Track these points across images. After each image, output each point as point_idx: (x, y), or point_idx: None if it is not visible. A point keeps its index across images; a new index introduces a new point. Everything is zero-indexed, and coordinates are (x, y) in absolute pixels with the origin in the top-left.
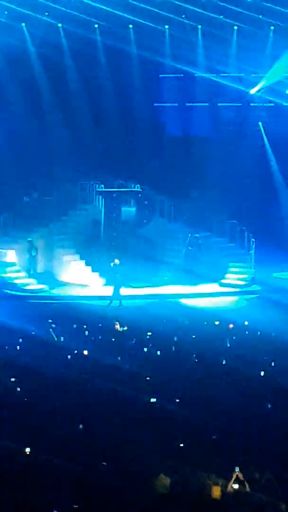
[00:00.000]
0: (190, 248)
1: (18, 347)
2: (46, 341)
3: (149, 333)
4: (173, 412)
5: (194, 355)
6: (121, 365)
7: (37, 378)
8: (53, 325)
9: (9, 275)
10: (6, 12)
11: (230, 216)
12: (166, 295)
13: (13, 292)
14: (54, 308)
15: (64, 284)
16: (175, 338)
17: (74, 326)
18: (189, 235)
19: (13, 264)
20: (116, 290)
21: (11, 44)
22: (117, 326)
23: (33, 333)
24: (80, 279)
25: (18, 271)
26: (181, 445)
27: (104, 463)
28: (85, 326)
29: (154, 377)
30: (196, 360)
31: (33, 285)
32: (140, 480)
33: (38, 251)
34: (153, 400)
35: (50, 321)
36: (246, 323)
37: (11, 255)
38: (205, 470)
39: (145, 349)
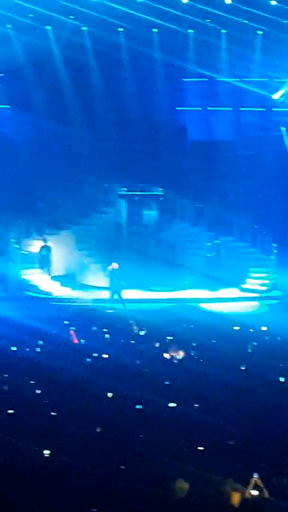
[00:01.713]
0: (209, 255)
1: (38, 349)
2: (66, 343)
3: (169, 337)
4: (192, 417)
5: (214, 360)
6: (140, 368)
7: (57, 380)
8: (73, 328)
9: (30, 277)
10: (31, 15)
11: (251, 221)
12: (186, 299)
13: (34, 294)
14: (74, 311)
15: (85, 286)
16: (194, 343)
17: (94, 328)
18: (208, 243)
19: (34, 266)
20: (112, 294)
21: (36, 46)
22: (134, 328)
23: (53, 335)
24: (101, 282)
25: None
26: (200, 448)
27: (122, 467)
28: (105, 330)
29: (173, 382)
30: (216, 365)
31: (55, 288)
32: (158, 484)
33: (50, 251)
34: (172, 405)
35: (66, 322)
36: (265, 328)
37: (32, 257)
38: (224, 475)
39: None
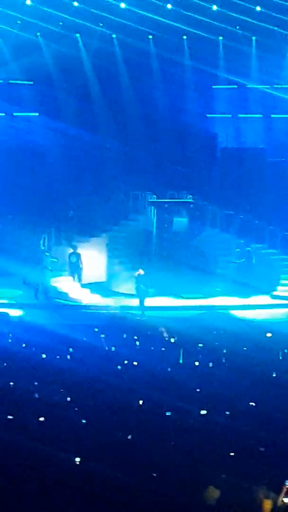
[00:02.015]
0: (238, 261)
1: (68, 357)
2: (96, 350)
3: (200, 344)
4: (223, 424)
5: (245, 368)
6: (171, 376)
7: (87, 388)
8: (103, 335)
9: (60, 284)
10: (61, 23)
11: (282, 227)
12: (217, 307)
13: (64, 302)
14: (105, 318)
15: (115, 293)
16: (224, 350)
17: (124, 336)
18: (237, 249)
19: (64, 274)
20: (141, 301)
21: (65, 54)
22: (165, 334)
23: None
24: (131, 289)
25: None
26: (232, 454)
27: (154, 474)
28: (135, 337)
29: (204, 389)
30: (247, 372)
31: (85, 295)
32: (189, 491)
33: (79, 258)
34: (203, 412)
35: (96, 330)
36: None
37: (62, 264)
38: (255, 482)
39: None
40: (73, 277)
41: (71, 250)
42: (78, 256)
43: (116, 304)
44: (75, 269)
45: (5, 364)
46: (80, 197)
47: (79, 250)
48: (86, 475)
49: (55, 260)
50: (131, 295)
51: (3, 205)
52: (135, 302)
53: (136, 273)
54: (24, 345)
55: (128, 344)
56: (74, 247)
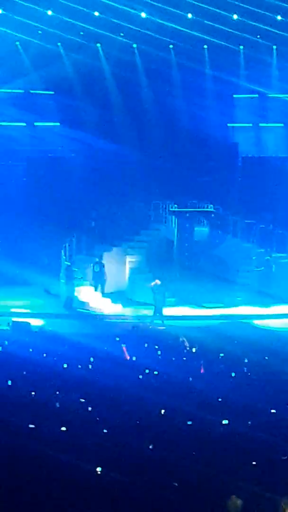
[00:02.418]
0: (258, 269)
1: (90, 366)
2: (117, 360)
3: (221, 354)
4: (245, 433)
5: (267, 377)
6: (192, 385)
7: (109, 397)
8: (124, 344)
9: (81, 294)
10: (82, 33)
11: None
12: (239, 316)
13: (86, 311)
14: (126, 327)
15: (137, 303)
16: (246, 360)
17: (145, 345)
18: (254, 257)
19: (85, 283)
20: (158, 310)
21: (86, 64)
22: (186, 344)
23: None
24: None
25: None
26: (253, 463)
27: (175, 484)
28: (156, 346)
29: (226, 399)
30: (268, 382)
31: (105, 305)
32: (211, 501)
33: (103, 267)
34: (225, 422)
35: (118, 339)
36: None
37: (84, 274)
38: (278, 492)
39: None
40: (96, 287)
41: (95, 260)
42: (101, 265)
43: (137, 314)
44: (98, 278)
45: (25, 373)
46: (101, 207)
47: (95, 260)
48: (107, 484)
49: (76, 269)
50: (152, 305)
51: (24, 215)
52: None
53: (153, 283)
54: (45, 354)
55: (149, 354)
56: (99, 257)
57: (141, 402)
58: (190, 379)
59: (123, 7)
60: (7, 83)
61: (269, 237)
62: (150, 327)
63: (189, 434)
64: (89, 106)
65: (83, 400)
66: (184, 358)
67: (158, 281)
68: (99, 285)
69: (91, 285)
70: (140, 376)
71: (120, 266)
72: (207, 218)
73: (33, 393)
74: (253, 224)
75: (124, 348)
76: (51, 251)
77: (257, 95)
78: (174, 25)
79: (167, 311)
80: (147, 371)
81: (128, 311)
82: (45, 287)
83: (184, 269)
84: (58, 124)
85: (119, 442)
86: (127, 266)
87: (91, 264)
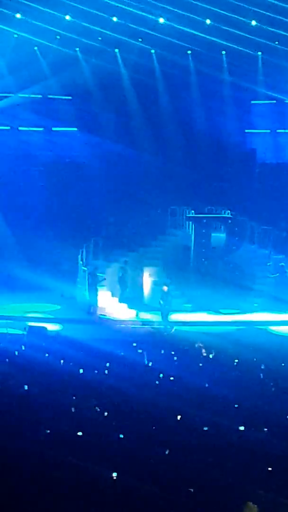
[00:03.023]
0: (273, 276)
1: (106, 371)
2: (134, 365)
3: (237, 360)
4: (261, 440)
5: (283, 383)
6: (209, 391)
7: (124, 403)
8: (140, 350)
9: (99, 299)
10: (100, 38)
11: None
12: (255, 322)
13: (104, 317)
14: (142, 333)
15: (153, 309)
16: (262, 366)
17: (162, 351)
18: (269, 263)
19: (102, 288)
20: (164, 317)
21: (104, 69)
22: (203, 350)
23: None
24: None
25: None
26: (269, 469)
27: (191, 490)
28: (172, 352)
29: (242, 405)
30: (285, 389)
31: (122, 310)
32: (227, 508)
33: (126, 273)
34: (241, 428)
35: (135, 344)
36: None
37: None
38: None
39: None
40: (118, 292)
41: (120, 265)
42: (125, 270)
43: (153, 319)
44: (122, 283)
45: (42, 378)
46: (118, 212)
47: (117, 265)
48: (122, 490)
49: (101, 275)
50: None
51: (41, 219)
52: (173, 317)
53: (166, 288)
54: (62, 361)
55: (166, 359)
56: (125, 262)
57: (157, 408)
58: (206, 384)
59: (141, 13)
60: (26, 88)
61: (286, 243)
62: (165, 333)
63: (205, 440)
64: (107, 112)
65: (97, 408)
66: (200, 364)
67: (165, 288)
68: (121, 290)
69: (109, 290)
70: (157, 382)
71: (136, 271)
72: (224, 224)
73: (48, 397)
74: (270, 230)
75: (142, 353)
76: (68, 256)
77: (275, 101)
78: (192, 31)
79: (183, 316)
80: (161, 375)
81: (145, 317)
82: (61, 292)
83: (200, 275)
84: (76, 129)
85: (134, 448)
86: (144, 272)
87: (114, 269)
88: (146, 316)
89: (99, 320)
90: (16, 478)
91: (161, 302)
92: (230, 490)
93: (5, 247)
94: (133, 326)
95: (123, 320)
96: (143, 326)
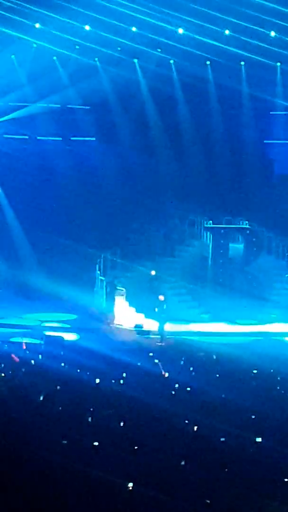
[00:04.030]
0: None
1: (122, 381)
2: (150, 375)
3: (254, 371)
4: (278, 451)
5: None
6: (225, 402)
7: (141, 413)
8: (157, 360)
9: (115, 308)
10: (119, 48)
11: None
12: (272, 333)
13: (120, 326)
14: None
15: (170, 319)
16: (279, 377)
17: (182, 362)
18: (286, 275)
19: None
20: (160, 327)
21: (123, 79)
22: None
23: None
24: (186, 315)
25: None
26: (286, 480)
27: (208, 501)
28: (182, 361)
29: (259, 416)
30: None
31: (139, 320)
32: None
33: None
34: (258, 439)
35: (151, 354)
36: None
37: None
38: None
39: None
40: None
41: (153, 272)
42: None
43: (170, 329)
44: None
45: (58, 387)
46: (136, 222)
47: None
48: (138, 500)
49: (120, 288)
50: (186, 321)
51: (60, 229)
52: (191, 327)
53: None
54: (78, 370)
55: (182, 369)
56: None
57: (174, 418)
58: (223, 395)
59: (160, 23)
60: (45, 97)
61: None
62: (159, 343)
63: (222, 451)
64: (125, 121)
65: (116, 414)
66: (217, 375)
67: (162, 297)
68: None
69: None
70: (173, 392)
71: (154, 281)
72: (242, 234)
73: (63, 407)
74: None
75: (157, 364)
76: (86, 266)
77: None
78: (211, 41)
79: (198, 327)
80: (177, 385)
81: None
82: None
83: (218, 286)
84: (94, 139)
85: (150, 458)
86: (161, 282)
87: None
88: (168, 327)
89: (116, 329)
90: (32, 487)
91: (156, 310)
92: (246, 502)
93: (23, 257)
94: (149, 336)
95: (140, 330)
96: (159, 336)
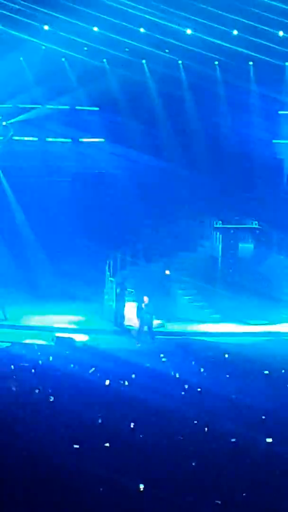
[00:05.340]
0: None
1: (126, 383)
2: (160, 376)
3: (265, 371)
4: None
5: None
6: (236, 403)
7: (151, 415)
8: (164, 358)
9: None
10: (127, 49)
11: None
12: (283, 333)
13: (130, 327)
14: (170, 344)
15: (180, 320)
16: None
17: (193, 362)
18: None
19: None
20: (148, 328)
21: (131, 80)
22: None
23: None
24: (195, 315)
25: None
26: None
27: (218, 502)
28: (193, 362)
29: (270, 416)
30: None
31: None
32: None
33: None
34: (268, 440)
35: (162, 355)
36: None
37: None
38: None
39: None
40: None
41: (168, 272)
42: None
43: (180, 330)
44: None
45: (70, 389)
46: (146, 222)
47: (144, 275)
48: (149, 501)
49: (131, 290)
50: (196, 321)
51: (69, 230)
52: (201, 327)
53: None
54: (92, 369)
55: (193, 371)
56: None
57: (184, 419)
58: (234, 396)
59: (168, 24)
60: (53, 99)
61: None
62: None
63: (233, 452)
64: (134, 122)
65: (126, 416)
66: (227, 376)
67: (146, 299)
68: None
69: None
70: (183, 393)
71: (164, 282)
72: (252, 234)
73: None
74: None
75: (168, 364)
76: (95, 267)
77: None
78: (219, 42)
79: (210, 327)
80: (186, 386)
81: (171, 328)
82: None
83: (228, 286)
84: (103, 140)
85: (162, 459)
86: (171, 282)
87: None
88: (173, 327)
89: (126, 330)
90: (43, 490)
91: (147, 314)
92: (259, 503)
93: (33, 258)
94: (160, 336)
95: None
96: (170, 337)
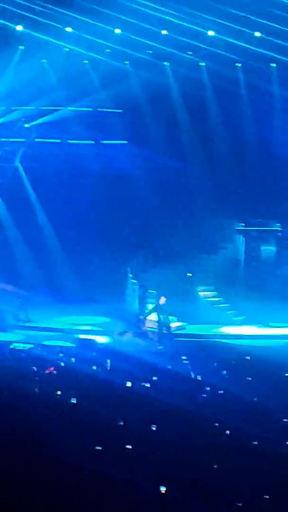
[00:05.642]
0: None
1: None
2: (182, 379)
3: (287, 374)
4: None
5: None
6: (258, 405)
7: (172, 417)
8: (186, 360)
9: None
10: (149, 51)
11: None
12: None
13: (153, 329)
14: (192, 346)
15: (203, 322)
16: None
17: (215, 364)
18: None
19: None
20: (162, 332)
21: (154, 82)
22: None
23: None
24: (218, 317)
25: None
26: None
27: (239, 504)
28: (215, 364)
29: None
30: None
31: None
32: None
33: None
34: None
35: (184, 357)
36: None
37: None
38: None
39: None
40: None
41: (190, 274)
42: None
43: (203, 332)
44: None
45: (91, 391)
46: (168, 225)
47: (165, 277)
48: (171, 504)
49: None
50: (218, 324)
51: (91, 232)
52: (223, 330)
53: (160, 301)
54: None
55: (215, 373)
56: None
57: (205, 421)
58: (255, 399)
59: (190, 26)
60: (76, 101)
61: None
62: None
63: (254, 455)
64: (157, 124)
65: (148, 418)
66: (249, 378)
67: (163, 299)
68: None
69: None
70: (204, 395)
71: (186, 285)
72: (274, 237)
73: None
74: None
75: (189, 366)
76: (117, 269)
77: None
78: (242, 43)
79: (232, 330)
80: (208, 388)
81: (194, 330)
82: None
83: (250, 288)
84: (126, 142)
85: (182, 462)
86: (193, 285)
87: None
88: (195, 329)
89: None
90: (64, 491)
91: (162, 316)
92: (279, 506)
93: (55, 260)
94: (182, 339)
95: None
96: (193, 339)
